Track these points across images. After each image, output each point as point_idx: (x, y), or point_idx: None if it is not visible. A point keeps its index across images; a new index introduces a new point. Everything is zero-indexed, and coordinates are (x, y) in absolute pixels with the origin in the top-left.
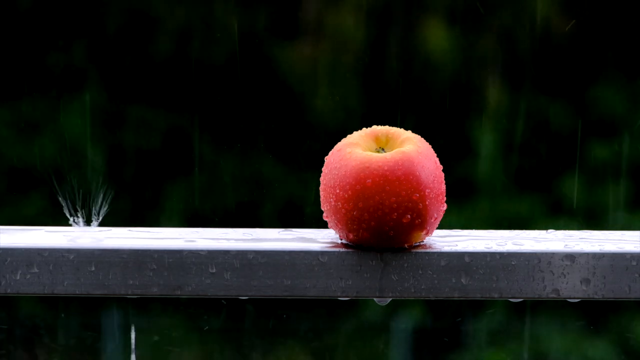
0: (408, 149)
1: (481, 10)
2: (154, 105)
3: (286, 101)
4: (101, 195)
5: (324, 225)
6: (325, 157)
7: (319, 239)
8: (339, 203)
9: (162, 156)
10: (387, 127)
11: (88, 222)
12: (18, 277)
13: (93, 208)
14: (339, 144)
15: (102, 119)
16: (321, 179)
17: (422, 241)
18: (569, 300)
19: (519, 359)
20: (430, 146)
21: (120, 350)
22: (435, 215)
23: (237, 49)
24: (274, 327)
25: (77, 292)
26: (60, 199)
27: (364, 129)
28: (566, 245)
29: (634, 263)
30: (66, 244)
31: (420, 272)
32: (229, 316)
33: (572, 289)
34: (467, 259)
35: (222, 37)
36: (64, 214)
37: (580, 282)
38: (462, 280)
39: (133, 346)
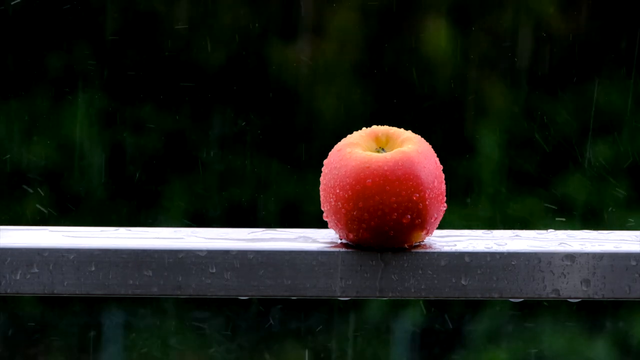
0: (408, 149)
1: (481, 10)
2: (154, 105)
3: (286, 101)
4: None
5: (324, 225)
6: (325, 158)
7: (319, 239)
8: (339, 203)
9: (162, 156)
10: (387, 127)
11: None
12: (18, 277)
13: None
14: (339, 144)
15: (102, 119)
16: (321, 179)
17: (422, 241)
18: (569, 300)
19: (519, 359)
20: (430, 146)
21: (120, 350)
22: (435, 215)
23: (238, 48)
24: (274, 327)
25: (77, 292)
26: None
27: (364, 129)
28: (566, 245)
29: (634, 263)
30: (66, 244)
31: (420, 272)
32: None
33: (572, 289)
34: (467, 259)
35: (222, 36)
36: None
37: (581, 282)
38: (462, 280)
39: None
